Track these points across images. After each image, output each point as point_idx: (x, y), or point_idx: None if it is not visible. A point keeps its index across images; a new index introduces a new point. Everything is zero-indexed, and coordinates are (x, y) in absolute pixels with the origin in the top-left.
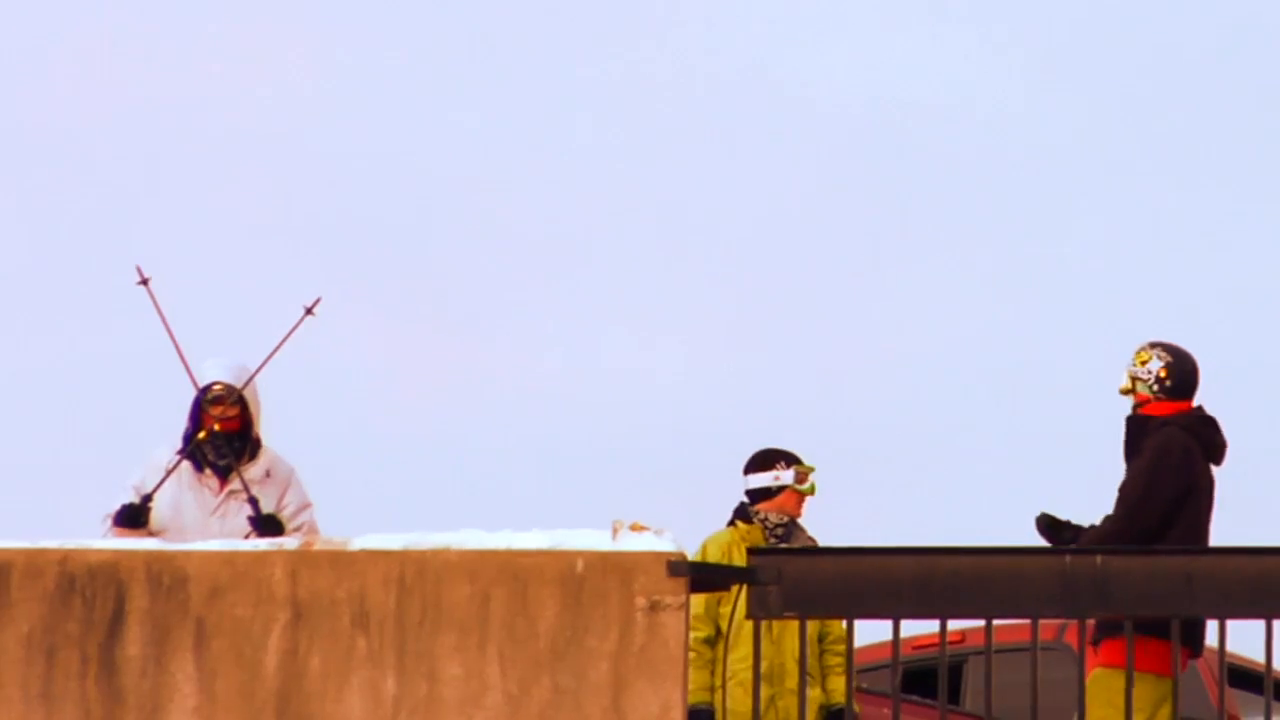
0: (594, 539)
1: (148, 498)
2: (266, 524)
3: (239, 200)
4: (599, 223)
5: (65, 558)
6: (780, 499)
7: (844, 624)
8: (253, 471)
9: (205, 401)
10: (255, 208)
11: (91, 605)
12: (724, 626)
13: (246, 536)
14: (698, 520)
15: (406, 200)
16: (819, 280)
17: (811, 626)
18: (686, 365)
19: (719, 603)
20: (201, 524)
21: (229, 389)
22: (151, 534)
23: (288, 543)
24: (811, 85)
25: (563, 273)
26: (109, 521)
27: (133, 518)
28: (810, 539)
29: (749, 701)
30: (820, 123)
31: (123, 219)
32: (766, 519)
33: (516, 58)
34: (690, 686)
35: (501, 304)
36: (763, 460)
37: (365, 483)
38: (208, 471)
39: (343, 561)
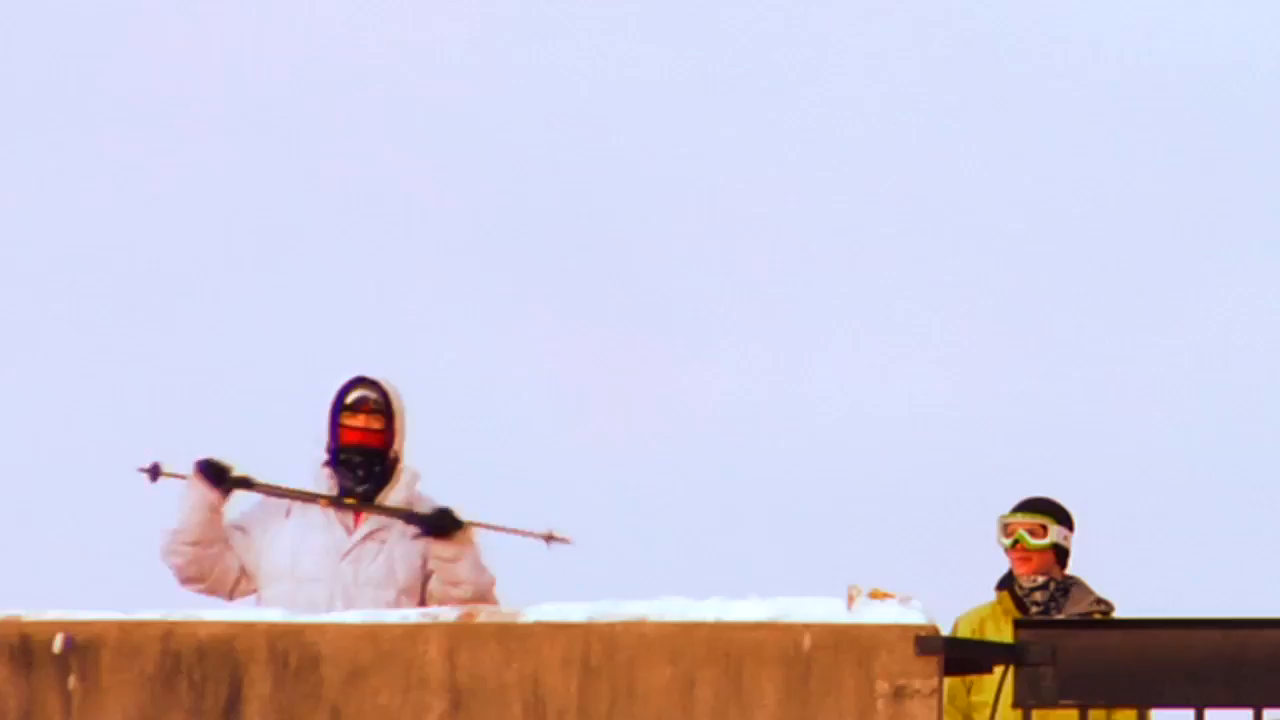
0: (825, 609)
1: (244, 481)
2: (439, 521)
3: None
4: (828, 215)
5: (169, 632)
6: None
7: (1135, 715)
8: (391, 500)
9: (344, 407)
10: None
11: (201, 691)
12: None
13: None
14: (954, 586)
15: (584, 192)
16: (1111, 287)
17: (1095, 718)
18: (942, 393)
19: (969, 690)
20: (329, 571)
21: (377, 391)
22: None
23: (445, 614)
24: (1105, 49)
25: (784, 275)
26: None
27: (218, 476)
28: (1100, 602)
29: None
30: (1124, 92)
31: (255, 224)
32: (1017, 583)
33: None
34: None
35: (704, 317)
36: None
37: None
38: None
39: (513, 637)
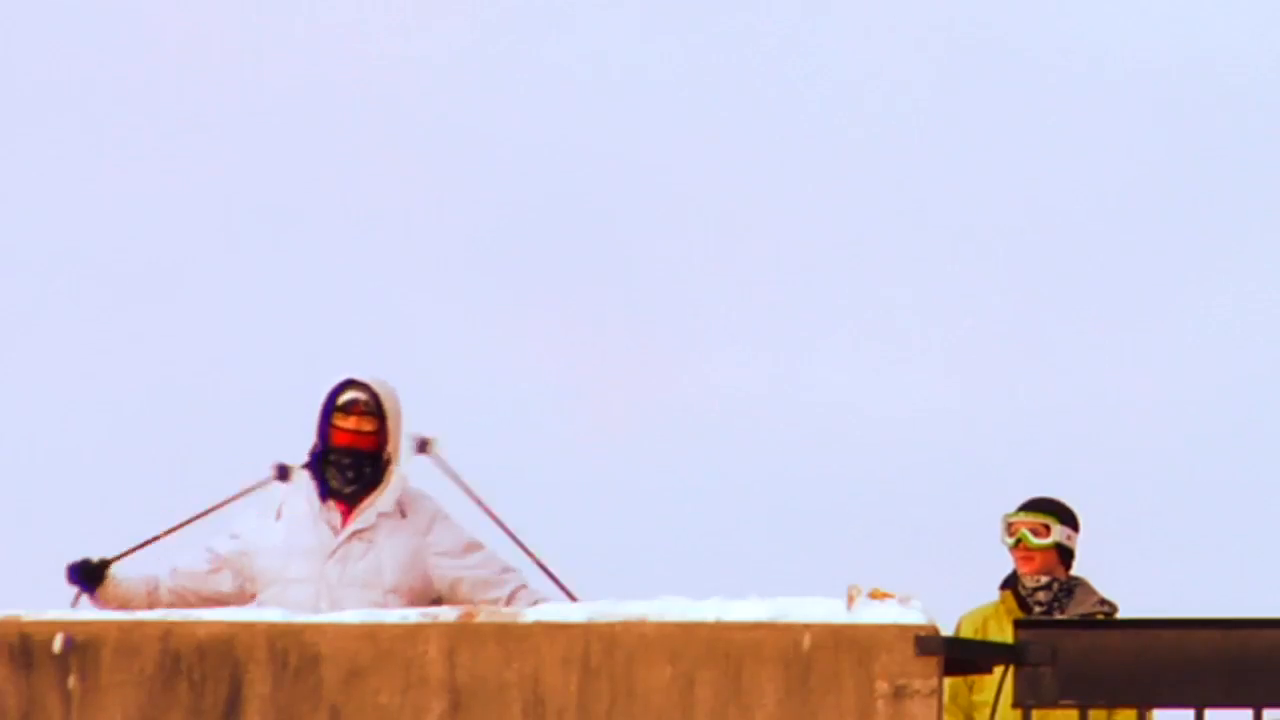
0: (824, 609)
1: (105, 562)
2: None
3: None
4: (829, 214)
5: (168, 632)
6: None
7: (1135, 715)
8: (382, 503)
9: (336, 409)
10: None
11: (201, 691)
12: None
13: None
14: (956, 587)
15: (583, 192)
16: (1114, 288)
17: (1095, 718)
18: (942, 393)
19: (970, 689)
20: (315, 571)
21: (368, 393)
22: (119, 599)
23: (444, 614)
24: (1104, 47)
25: (784, 274)
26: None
27: (86, 574)
28: (1105, 603)
29: None
30: (1124, 95)
31: (264, 215)
32: (1021, 583)
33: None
34: None
35: (703, 314)
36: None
37: (539, 537)
38: (331, 503)
39: (512, 637)
